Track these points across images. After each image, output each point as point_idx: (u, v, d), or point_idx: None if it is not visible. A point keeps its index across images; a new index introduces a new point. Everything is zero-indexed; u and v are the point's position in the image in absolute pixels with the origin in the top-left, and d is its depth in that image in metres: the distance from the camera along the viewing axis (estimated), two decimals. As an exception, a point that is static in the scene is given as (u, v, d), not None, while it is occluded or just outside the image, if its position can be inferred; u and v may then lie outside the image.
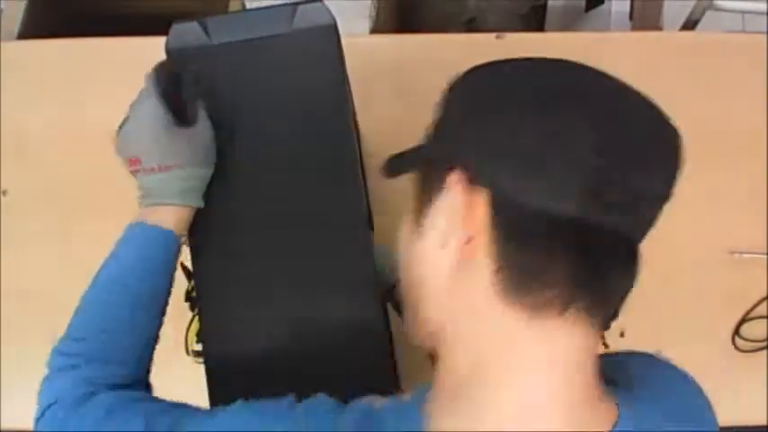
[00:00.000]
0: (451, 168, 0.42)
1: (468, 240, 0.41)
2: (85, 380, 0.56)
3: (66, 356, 0.58)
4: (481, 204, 0.41)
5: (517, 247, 0.40)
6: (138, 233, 0.61)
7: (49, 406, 0.55)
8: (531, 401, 0.40)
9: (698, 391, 0.52)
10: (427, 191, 0.45)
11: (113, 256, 0.62)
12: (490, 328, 0.41)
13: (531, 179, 0.39)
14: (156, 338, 0.62)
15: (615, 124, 0.40)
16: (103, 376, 0.57)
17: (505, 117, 0.41)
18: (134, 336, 0.59)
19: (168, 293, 0.62)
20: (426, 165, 0.46)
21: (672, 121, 0.43)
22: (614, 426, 0.41)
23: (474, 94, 0.45)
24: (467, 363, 0.43)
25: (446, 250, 0.42)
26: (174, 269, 0.62)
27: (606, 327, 0.43)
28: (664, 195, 0.42)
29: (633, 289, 0.43)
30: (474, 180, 0.41)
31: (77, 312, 0.61)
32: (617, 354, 0.51)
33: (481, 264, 0.41)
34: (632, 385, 0.46)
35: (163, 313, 0.62)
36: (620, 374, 0.46)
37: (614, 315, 0.43)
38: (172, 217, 0.61)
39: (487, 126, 0.42)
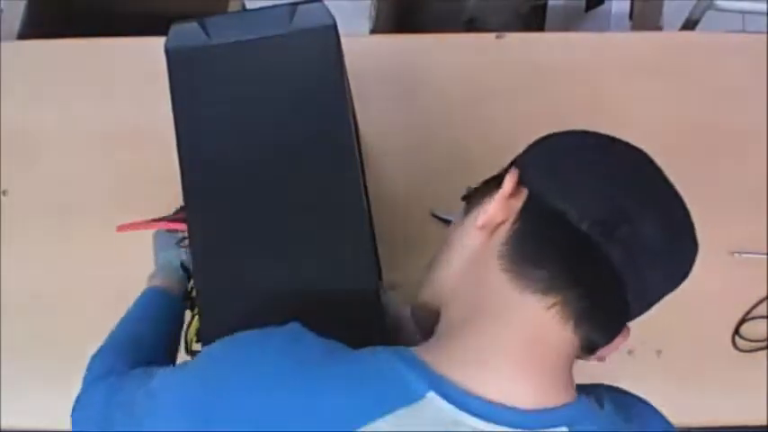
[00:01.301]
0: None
1: (501, 223, 0.52)
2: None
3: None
4: (520, 198, 0.52)
5: (528, 231, 0.50)
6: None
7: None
8: (495, 357, 0.47)
9: (664, 422, 0.58)
10: (488, 191, 0.55)
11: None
12: (486, 288, 0.50)
13: (565, 193, 0.50)
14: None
15: (650, 190, 0.51)
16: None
17: (564, 155, 0.54)
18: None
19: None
20: (494, 178, 0.57)
21: (694, 228, 0.53)
22: (561, 408, 0.47)
23: (544, 140, 0.57)
24: (460, 316, 0.52)
25: (480, 231, 0.52)
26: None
27: (585, 347, 0.50)
28: (670, 271, 0.52)
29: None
30: (522, 180, 0.53)
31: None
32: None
33: (498, 240, 0.51)
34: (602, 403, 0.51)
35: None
36: (599, 393, 0.52)
37: (590, 345, 0.50)
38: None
39: (548, 155, 0.55)
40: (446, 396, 0.45)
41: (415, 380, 0.45)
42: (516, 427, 0.45)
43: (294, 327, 0.52)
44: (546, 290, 0.48)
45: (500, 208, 0.52)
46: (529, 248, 0.50)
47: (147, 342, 0.72)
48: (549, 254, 0.49)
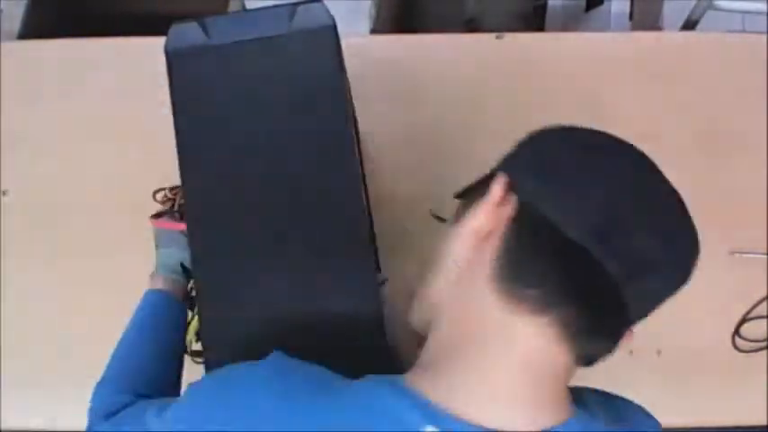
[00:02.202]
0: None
1: (491, 232, 0.48)
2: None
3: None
4: (509, 206, 0.48)
5: (519, 245, 0.47)
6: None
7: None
8: (491, 384, 0.46)
9: (652, 421, 0.56)
10: (477, 195, 0.51)
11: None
12: (476, 308, 0.48)
13: (558, 200, 0.46)
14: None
15: (646, 194, 0.48)
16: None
17: (555, 157, 0.49)
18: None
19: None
20: (484, 179, 0.53)
21: (695, 228, 0.50)
22: (561, 425, 0.46)
23: (534, 139, 0.53)
24: (448, 340, 0.49)
25: (468, 240, 0.49)
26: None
27: (581, 360, 0.47)
28: (671, 277, 0.48)
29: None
30: (512, 187, 0.49)
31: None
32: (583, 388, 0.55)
33: (487, 254, 0.48)
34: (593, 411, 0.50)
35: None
36: (586, 401, 0.51)
37: (591, 358, 0.48)
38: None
39: (538, 158, 0.50)
40: (445, 430, 0.43)
41: (409, 414, 0.43)
42: None
43: (277, 359, 0.50)
44: (540, 310, 0.45)
45: (488, 217, 0.48)
46: (520, 265, 0.46)
47: (149, 360, 0.72)
48: (542, 270, 0.45)
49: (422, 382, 0.46)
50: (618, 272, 0.44)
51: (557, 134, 0.52)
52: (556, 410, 0.46)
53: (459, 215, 0.53)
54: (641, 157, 0.50)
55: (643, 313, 0.49)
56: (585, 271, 0.44)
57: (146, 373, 0.70)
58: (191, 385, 0.52)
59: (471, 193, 0.53)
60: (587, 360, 0.48)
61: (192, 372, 0.78)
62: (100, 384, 0.69)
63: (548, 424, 0.45)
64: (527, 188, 0.48)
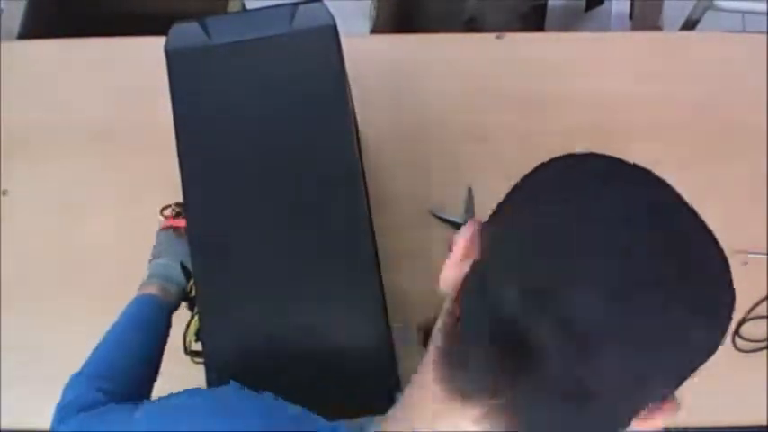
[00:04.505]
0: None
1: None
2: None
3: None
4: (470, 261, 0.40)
5: (460, 312, 0.38)
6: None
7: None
8: None
9: None
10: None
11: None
12: (420, 382, 0.40)
13: (500, 254, 0.37)
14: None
15: (626, 239, 0.35)
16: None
17: (528, 199, 0.39)
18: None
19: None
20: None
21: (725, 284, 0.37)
22: None
23: (530, 174, 0.41)
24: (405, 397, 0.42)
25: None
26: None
27: None
28: (640, 358, 0.35)
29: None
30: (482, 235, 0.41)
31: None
32: None
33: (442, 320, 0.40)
34: None
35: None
36: None
37: None
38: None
39: (512, 197, 0.40)
40: None
41: None
42: None
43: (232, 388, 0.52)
44: (468, 398, 0.36)
45: (453, 274, 0.40)
46: (457, 339, 0.37)
47: (134, 362, 0.72)
48: (474, 348, 0.36)
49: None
50: (553, 343, 0.34)
51: (552, 167, 0.41)
52: None
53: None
54: (646, 196, 0.42)
55: (631, 407, 0.39)
56: (515, 351, 0.34)
57: (127, 374, 0.70)
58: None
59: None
60: None
61: (193, 372, 0.77)
62: (79, 376, 0.69)
63: None
64: (485, 242, 0.39)
